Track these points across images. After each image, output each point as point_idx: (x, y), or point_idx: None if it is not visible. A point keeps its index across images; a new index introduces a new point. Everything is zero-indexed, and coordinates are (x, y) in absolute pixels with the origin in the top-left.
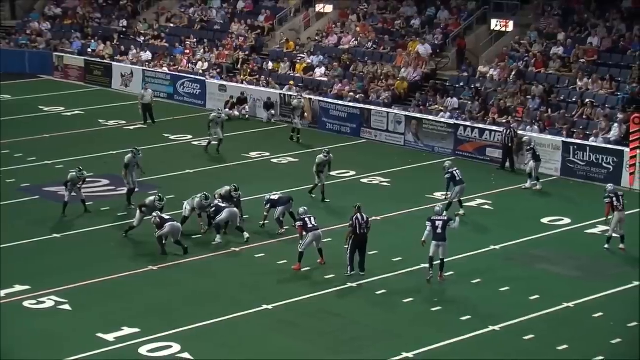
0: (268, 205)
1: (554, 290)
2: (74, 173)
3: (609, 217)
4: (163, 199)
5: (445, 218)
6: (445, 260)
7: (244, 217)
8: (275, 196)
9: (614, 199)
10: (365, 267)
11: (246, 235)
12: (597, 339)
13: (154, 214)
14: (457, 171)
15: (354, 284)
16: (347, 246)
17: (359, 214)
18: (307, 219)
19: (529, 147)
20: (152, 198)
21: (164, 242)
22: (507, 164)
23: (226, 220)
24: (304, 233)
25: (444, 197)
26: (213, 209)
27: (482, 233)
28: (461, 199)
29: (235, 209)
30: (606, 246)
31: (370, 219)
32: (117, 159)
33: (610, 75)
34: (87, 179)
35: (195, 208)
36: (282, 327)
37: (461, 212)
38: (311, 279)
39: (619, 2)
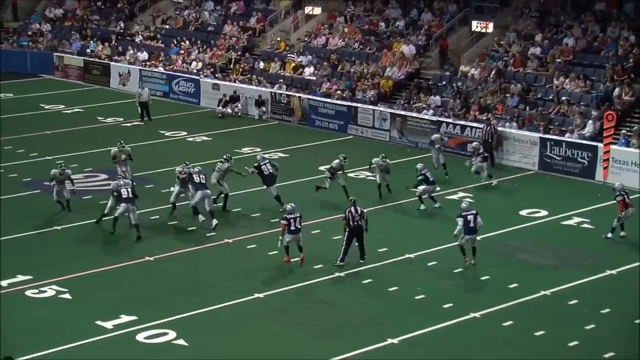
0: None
1: (532, 279)
2: (56, 170)
3: (623, 213)
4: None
5: (475, 212)
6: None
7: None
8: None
9: (625, 196)
10: (365, 255)
11: (215, 222)
12: (572, 325)
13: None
14: (429, 172)
15: (342, 274)
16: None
17: (352, 207)
18: (291, 220)
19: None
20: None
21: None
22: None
23: (200, 201)
24: (286, 232)
25: (410, 189)
26: (185, 175)
27: None
28: (432, 195)
29: (209, 191)
30: (609, 235)
31: (364, 211)
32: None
33: (585, 75)
34: (87, 174)
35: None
36: (272, 315)
37: (422, 207)
38: (300, 269)
39: (592, 5)
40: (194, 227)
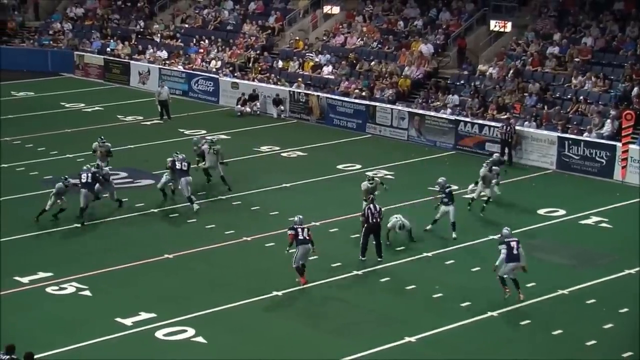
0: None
1: (550, 277)
2: (61, 184)
3: None
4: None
5: (516, 239)
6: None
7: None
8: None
9: None
10: (382, 253)
11: (196, 206)
12: (590, 324)
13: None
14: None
15: (359, 272)
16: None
17: (371, 205)
18: (299, 230)
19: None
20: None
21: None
22: (506, 158)
23: (184, 189)
24: (294, 242)
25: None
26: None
27: (482, 224)
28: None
29: (190, 178)
30: None
31: (382, 209)
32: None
33: (604, 74)
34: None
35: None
36: (290, 312)
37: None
38: (318, 267)
39: (611, 5)
40: (213, 225)
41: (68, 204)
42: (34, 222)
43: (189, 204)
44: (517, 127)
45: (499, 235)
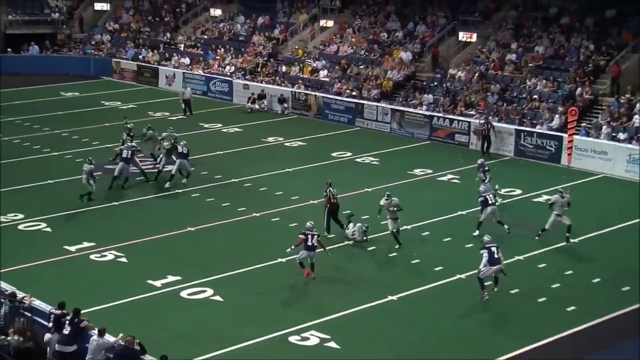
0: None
1: (509, 246)
2: (87, 164)
3: None
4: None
5: (496, 244)
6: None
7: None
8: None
9: None
10: (344, 225)
11: (168, 184)
12: (542, 284)
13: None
14: (490, 195)
15: (350, 242)
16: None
17: (330, 188)
18: (309, 236)
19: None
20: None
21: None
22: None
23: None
24: (302, 245)
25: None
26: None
27: (451, 201)
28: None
29: (186, 162)
30: None
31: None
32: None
33: (553, 77)
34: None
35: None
36: (292, 276)
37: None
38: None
39: (559, 19)
40: (228, 203)
41: (94, 188)
42: (80, 201)
43: (185, 180)
44: (494, 124)
45: (481, 241)
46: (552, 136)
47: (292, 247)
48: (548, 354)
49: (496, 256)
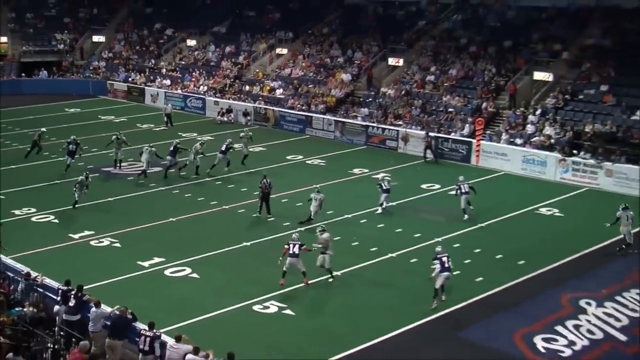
0: None
1: (430, 230)
2: (82, 177)
3: None
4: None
5: (447, 254)
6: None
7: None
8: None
9: None
10: (271, 212)
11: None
12: (456, 260)
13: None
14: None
15: (302, 229)
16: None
17: (265, 179)
18: (291, 245)
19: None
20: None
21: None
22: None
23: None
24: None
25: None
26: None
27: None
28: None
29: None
30: None
31: (271, 182)
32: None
33: (463, 94)
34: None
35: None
36: (256, 257)
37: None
38: (273, 225)
39: (468, 48)
40: (202, 198)
41: (79, 199)
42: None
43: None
44: (407, 130)
45: (434, 252)
46: (463, 141)
47: (280, 258)
48: (462, 314)
49: (446, 265)
